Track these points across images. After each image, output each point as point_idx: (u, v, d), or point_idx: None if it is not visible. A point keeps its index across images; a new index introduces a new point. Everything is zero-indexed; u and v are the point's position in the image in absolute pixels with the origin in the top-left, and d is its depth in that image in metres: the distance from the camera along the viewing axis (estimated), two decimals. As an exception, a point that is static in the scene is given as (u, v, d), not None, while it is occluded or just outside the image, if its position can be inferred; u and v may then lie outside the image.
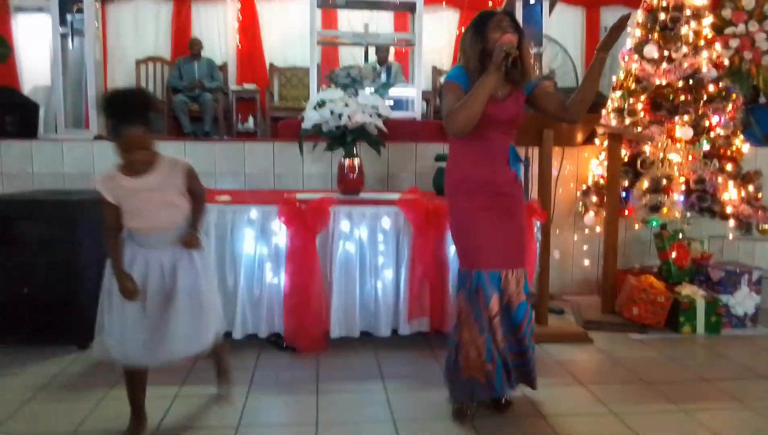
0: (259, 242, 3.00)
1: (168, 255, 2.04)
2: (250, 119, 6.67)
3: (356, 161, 3.37)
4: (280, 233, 2.99)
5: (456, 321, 2.32)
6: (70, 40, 4.52)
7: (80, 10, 4.43)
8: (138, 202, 1.99)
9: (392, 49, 6.41)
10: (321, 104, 3.28)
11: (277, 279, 3.00)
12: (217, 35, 7.14)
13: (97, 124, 4.36)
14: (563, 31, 7.16)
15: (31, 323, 2.99)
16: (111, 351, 2.04)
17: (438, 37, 7.27)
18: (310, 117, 3.29)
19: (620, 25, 2.16)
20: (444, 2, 7.24)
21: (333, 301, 2.99)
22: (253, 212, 3.00)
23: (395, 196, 3.28)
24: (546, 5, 4.92)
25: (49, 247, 2.97)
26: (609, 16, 7.54)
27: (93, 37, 4.43)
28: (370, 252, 3.05)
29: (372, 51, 6.13)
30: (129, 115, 1.91)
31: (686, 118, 3.64)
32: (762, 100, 5.77)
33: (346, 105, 3.24)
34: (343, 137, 3.30)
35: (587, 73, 2.27)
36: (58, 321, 2.98)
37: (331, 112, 3.22)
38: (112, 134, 1.94)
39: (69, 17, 4.47)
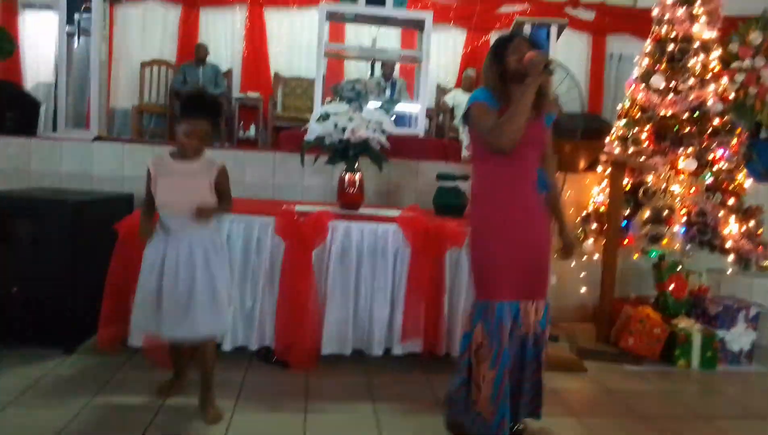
0: (255, 253, 2.96)
1: (186, 243, 2.28)
2: (252, 127, 6.65)
3: (357, 176, 3.34)
4: (277, 245, 2.95)
5: (468, 354, 2.24)
6: (76, 38, 4.50)
7: (88, 10, 4.41)
8: (173, 181, 2.29)
9: (397, 65, 6.42)
10: (325, 117, 3.26)
11: (270, 291, 2.95)
12: (224, 41, 7.14)
13: (97, 124, 4.33)
14: (569, 57, 7.17)
15: (18, 324, 2.92)
16: (133, 322, 2.40)
17: (444, 56, 7.30)
18: (314, 129, 3.27)
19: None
20: (452, 21, 7.27)
21: (326, 316, 2.94)
22: (250, 222, 2.96)
23: (395, 212, 3.25)
24: (554, 31, 4.93)
25: (42, 247, 2.92)
26: (615, 44, 7.59)
27: (99, 37, 4.41)
28: (367, 269, 3.00)
29: (377, 66, 6.13)
30: (199, 110, 2.31)
31: (690, 150, 3.63)
32: (763, 135, 5.80)
33: (351, 119, 3.21)
34: (345, 151, 3.27)
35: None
36: (47, 323, 2.92)
37: (335, 126, 3.20)
38: (178, 120, 2.30)
39: (76, 16, 4.45)
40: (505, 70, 2.17)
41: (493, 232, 2.19)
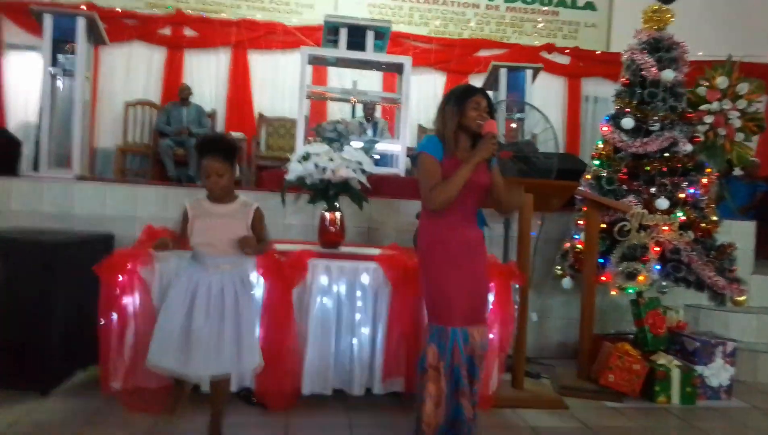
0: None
1: (217, 279, 2.34)
2: (236, 166, 6.68)
3: (338, 215, 3.38)
4: (257, 285, 2.95)
5: (423, 376, 2.37)
6: (59, 80, 4.54)
7: (72, 51, 4.48)
8: (208, 223, 2.38)
9: (379, 106, 6.54)
10: (306, 157, 3.31)
11: (251, 331, 2.94)
12: (208, 82, 7.24)
13: (80, 164, 4.34)
14: (546, 99, 7.39)
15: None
16: (152, 355, 2.32)
17: (425, 96, 7.46)
18: (294, 169, 3.31)
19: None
20: (432, 65, 7.47)
21: (306, 356, 2.92)
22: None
23: (375, 251, 3.28)
24: (529, 74, 5.10)
25: (17, 288, 2.88)
26: (590, 87, 7.84)
27: (83, 78, 4.47)
28: (347, 308, 3.01)
29: (359, 107, 6.25)
30: (211, 149, 2.37)
31: (662, 189, 3.74)
32: (736, 172, 5.97)
33: (331, 159, 3.27)
34: (326, 191, 3.32)
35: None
36: (22, 365, 2.87)
37: (316, 166, 3.25)
38: (197, 166, 2.46)
39: (60, 58, 4.51)
40: (462, 123, 2.37)
41: (439, 265, 2.39)
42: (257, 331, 2.57)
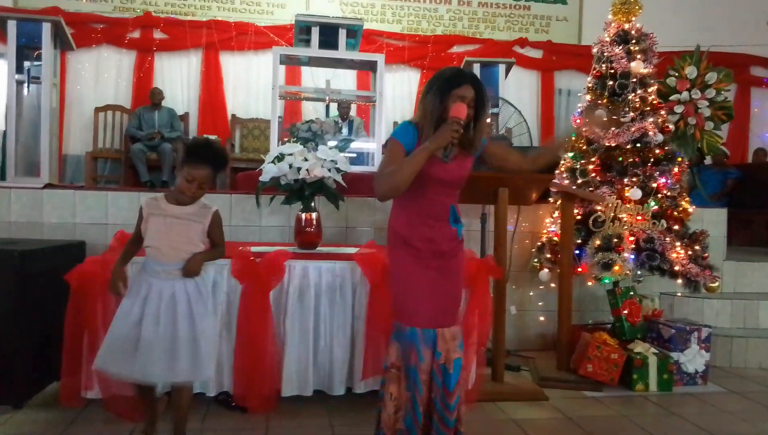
0: (211, 296, 2.91)
1: (168, 285, 2.27)
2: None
3: (314, 215, 3.35)
4: (233, 287, 2.92)
5: (385, 375, 2.26)
6: (26, 86, 4.44)
7: (38, 57, 4.38)
8: (162, 223, 2.29)
9: (354, 105, 6.53)
10: (280, 158, 3.28)
11: (227, 335, 2.91)
12: (180, 85, 7.16)
13: (48, 171, 4.26)
14: (520, 93, 7.46)
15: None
16: (99, 359, 2.25)
17: (399, 94, 7.47)
18: (269, 170, 3.28)
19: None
20: (406, 62, 7.48)
21: (285, 358, 2.90)
22: (206, 265, 2.92)
23: (352, 250, 3.27)
24: (502, 69, 5.12)
25: (-14, 300, 2.81)
26: (562, 80, 7.91)
27: (50, 84, 4.37)
28: (326, 307, 2.99)
29: (334, 106, 6.22)
30: (206, 157, 2.29)
31: (635, 179, 3.79)
32: (707, 161, 6.08)
33: (305, 159, 3.24)
34: (301, 191, 3.29)
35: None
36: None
37: (290, 166, 3.22)
38: (182, 165, 2.29)
39: (26, 64, 4.41)
40: (444, 117, 2.10)
41: (400, 262, 2.24)
42: (214, 343, 2.49)
